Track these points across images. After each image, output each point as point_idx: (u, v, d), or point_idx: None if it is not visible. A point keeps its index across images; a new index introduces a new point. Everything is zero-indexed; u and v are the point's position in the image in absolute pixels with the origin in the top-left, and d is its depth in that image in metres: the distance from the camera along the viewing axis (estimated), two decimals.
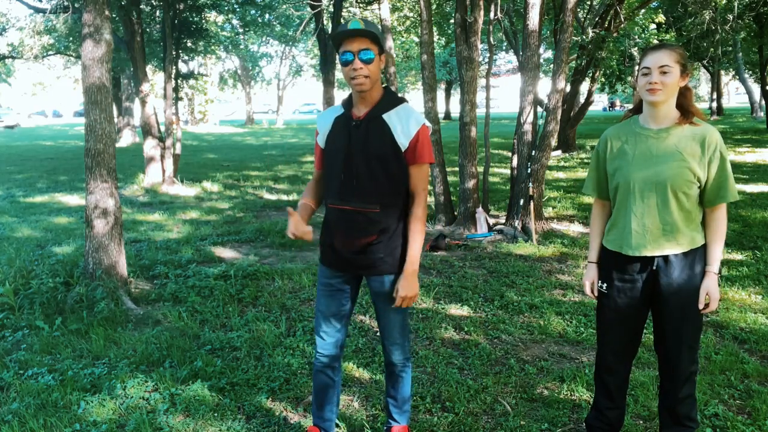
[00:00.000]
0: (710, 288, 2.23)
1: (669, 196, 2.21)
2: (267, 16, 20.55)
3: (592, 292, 2.48)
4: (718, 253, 2.25)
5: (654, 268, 2.28)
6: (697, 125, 2.21)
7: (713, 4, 13.08)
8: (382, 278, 2.40)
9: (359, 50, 2.23)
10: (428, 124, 2.35)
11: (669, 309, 2.28)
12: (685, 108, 2.25)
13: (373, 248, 2.35)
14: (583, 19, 13.73)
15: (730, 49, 23.31)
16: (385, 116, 2.32)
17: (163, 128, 11.60)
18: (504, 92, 56.82)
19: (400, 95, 2.40)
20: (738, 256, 5.65)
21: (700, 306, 2.24)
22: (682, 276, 2.24)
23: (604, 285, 2.40)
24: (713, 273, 2.24)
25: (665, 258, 2.25)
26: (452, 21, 12.83)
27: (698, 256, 2.26)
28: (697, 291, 2.24)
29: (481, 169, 7.64)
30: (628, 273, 2.32)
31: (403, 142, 2.29)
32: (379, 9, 7.67)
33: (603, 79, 15.42)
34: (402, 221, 2.37)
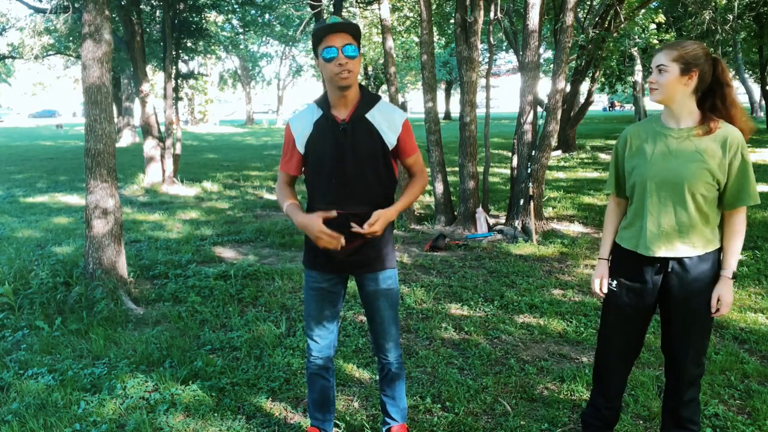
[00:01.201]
0: (723, 292, 2.18)
1: (686, 196, 2.16)
2: (267, 16, 20.53)
3: (601, 289, 2.43)
4: (734, 258, 2.20)
5: (669, 270, 2.23)
6: (719, 126, 2.15)
7: (713, 4, 13.07)
8: (377, 275, 2.41)
9: (343, 45, 2.18)
10: (407, 115, 2.39)
11: (679, 312, 2.25)
12: (717, 107, 2.18)
13: (367, 248, 2.36)
14: (583, 19, 13.73)
15: (730, 49, 23.30)
16: (368, 116, 2.30)
17: (163, 128, 11.60)
18: (504, 92, 56.85)
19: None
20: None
21: (712, 310, 2.21)
22: (696, 279, 2.20)
23: (614, 283, 2.36)
24: (728, 278, 2.19)
25: (680, 261, 2.21)
26: (452, 21, 12.83)
27: (713, 259, 2.21)
28: (709, 295, 2.20)
29: (481, 169, 7.64)
30: (641, 273, 2.28)
31: (392, 140, 2.32)
32: (379, 9, 7.67)
33: (603, 79, 15.43)
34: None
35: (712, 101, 2.18)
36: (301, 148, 2.35)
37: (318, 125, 2.31)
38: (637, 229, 2.28)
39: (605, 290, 2.41)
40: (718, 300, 2.20)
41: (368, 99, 2.33)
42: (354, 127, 2.28)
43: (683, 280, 2.21)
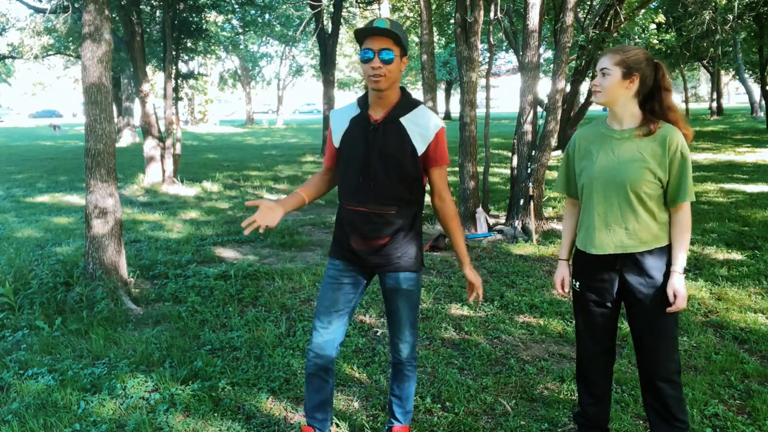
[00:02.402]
0: (676, 287, 2.24)
1: (630, 195, 2.24)
2: (267, 16, 20.56)
3: (563, 288, 2.54)
4: (682, 253, 2.26)
5: (618, 267, 2.31)
6: (660, 127, 2.23)
7: (713, 4, 13.07)
8: (398, 275, 2.42)
9: (380, 49, 2.21)
10: (444, 125, 2.39)
11: (638, 308, 2.31)
12: (655, 110, 2.25)
13: (388, 248, 2.38)
14: (583, 19, 13.74)
15: (730, 49, 23.31)
16: (402, 120, 2.33)
17: (163, 128, 11.60)
18: (504, 92, 56.83)
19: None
20: (738, 256, 5.65)
21: (669, 305, 2.25)
22: (650, 274, 2.27)
23: (577, 284, 2.45)
24: (678, 273, 2.25)
25: (630, 257, 2.28)
26: (452, 21, 12.83)
27: (665, 255, 2.28)
28: (664, 289, 2.26)
29: (481, 169, 7.64)
30: (597, 272, 2.36)
31: (420, 146, 2.33)
32: (379, 9, 7.68)
33: None
34: (418, 221, 2.44)
35: (651, 104, 2.27)
36: (336, 142, 2.43)
37: (353, 122, 2.38)
38: (586, 229, 2.36)
39: (567, 290, 2.52)
40: (674, 295, 2.25)
41: (407, 103, 2.35)
42: (385, 128, 2.31)
43: (637, 276, 2.28)
